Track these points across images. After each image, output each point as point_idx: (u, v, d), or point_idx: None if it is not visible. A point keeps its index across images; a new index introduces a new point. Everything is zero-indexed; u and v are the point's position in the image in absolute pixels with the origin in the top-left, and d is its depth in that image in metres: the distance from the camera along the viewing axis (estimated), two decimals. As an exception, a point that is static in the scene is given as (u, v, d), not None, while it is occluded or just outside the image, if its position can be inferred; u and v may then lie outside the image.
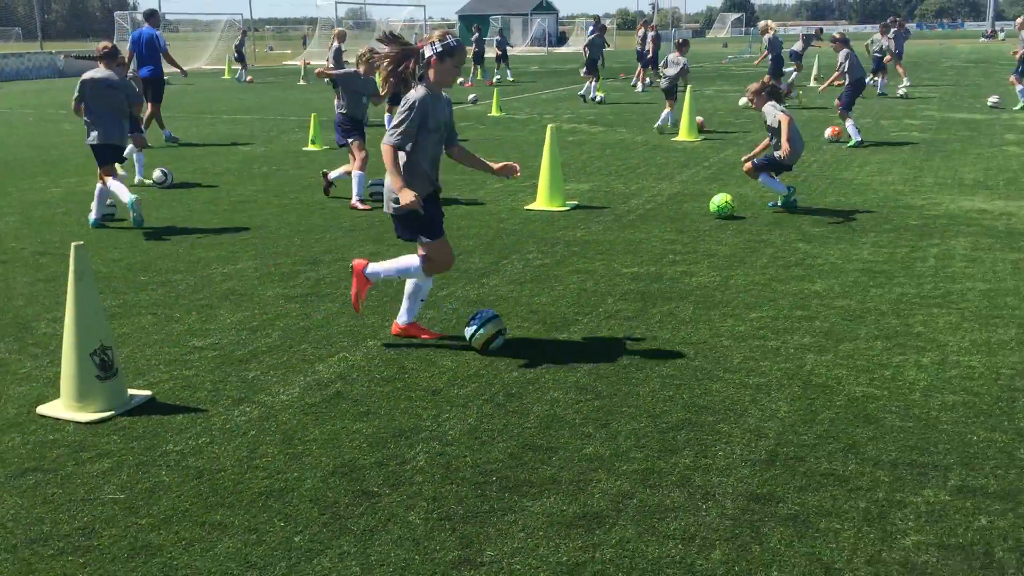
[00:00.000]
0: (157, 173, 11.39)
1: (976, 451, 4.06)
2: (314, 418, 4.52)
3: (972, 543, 3.35)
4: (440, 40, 5.11)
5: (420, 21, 58.78)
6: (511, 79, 31.67)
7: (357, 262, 5.61)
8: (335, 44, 18.37)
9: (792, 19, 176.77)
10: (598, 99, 22.17)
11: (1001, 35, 72.95)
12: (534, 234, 8.47)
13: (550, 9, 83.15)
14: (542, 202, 9.75)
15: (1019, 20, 21.15)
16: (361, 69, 9.83)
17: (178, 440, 4.28)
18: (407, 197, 5.00)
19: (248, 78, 33.48)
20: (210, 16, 50.03)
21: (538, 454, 4.09)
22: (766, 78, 9.75)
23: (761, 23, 22.20)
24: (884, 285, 6.65)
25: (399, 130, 5.07)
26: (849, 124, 14.25)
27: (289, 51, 41.95)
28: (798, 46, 25.78)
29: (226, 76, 37.16)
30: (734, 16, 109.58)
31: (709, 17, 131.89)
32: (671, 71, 16.12)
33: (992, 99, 20.24)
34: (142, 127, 11.67)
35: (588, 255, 7.67)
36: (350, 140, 9.90)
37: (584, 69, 22.45)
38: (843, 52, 14.42)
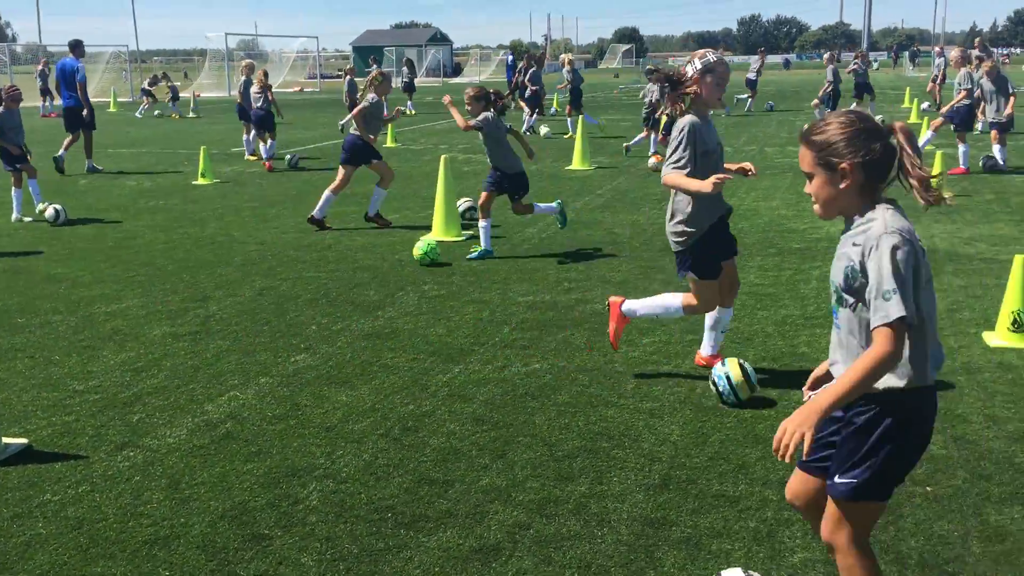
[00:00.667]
0: (49, 211, 10.96)
1: (859, 466, 4.19)
2: (202, 460, 4.38)
3: (856, 557, 3.45)
4: (700, 58, 5.07)
5: (313, 52, 58.31)
6: (412, 112, 31.31)
7: (613, 300, 5.55)
8: (244, 77, 18.11)
9: (680, 50, 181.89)
10: (543, 133, 21.26)
11: (875, 65, 76.62)
12: (430, 265, 8.45)
13: (444, 40, 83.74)
14: (437, 232, 9.74)
15: (826, 56, 22.96)
16: (371, 93, 10.18)
17: (56, 489, 4.09)
18: (708, 186, 4.86)
19: (157, 111, 32.92)
20: (95, 47, 48.56)
21: (434, 488, 4.06)
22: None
23: (561, 56, 23.34)
24: (770, 307, 6.85)
25: (676, 160, 5.01)
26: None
27: (178, 83, 41.05)
28: (752, 74, 27.58)
29: (112, 109, 36.11)
30: (624, 47, 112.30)
31: (600, 48, 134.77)
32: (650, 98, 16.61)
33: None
34: (25, 157, 11.20)
35: (484, 285, 7.69)
36: (349, 164, 10.24)
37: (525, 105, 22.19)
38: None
